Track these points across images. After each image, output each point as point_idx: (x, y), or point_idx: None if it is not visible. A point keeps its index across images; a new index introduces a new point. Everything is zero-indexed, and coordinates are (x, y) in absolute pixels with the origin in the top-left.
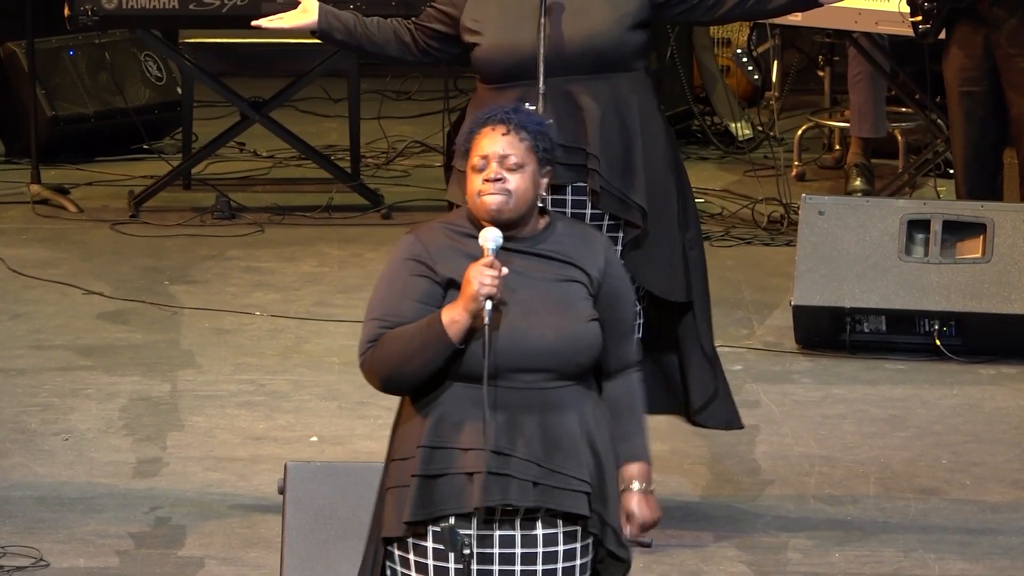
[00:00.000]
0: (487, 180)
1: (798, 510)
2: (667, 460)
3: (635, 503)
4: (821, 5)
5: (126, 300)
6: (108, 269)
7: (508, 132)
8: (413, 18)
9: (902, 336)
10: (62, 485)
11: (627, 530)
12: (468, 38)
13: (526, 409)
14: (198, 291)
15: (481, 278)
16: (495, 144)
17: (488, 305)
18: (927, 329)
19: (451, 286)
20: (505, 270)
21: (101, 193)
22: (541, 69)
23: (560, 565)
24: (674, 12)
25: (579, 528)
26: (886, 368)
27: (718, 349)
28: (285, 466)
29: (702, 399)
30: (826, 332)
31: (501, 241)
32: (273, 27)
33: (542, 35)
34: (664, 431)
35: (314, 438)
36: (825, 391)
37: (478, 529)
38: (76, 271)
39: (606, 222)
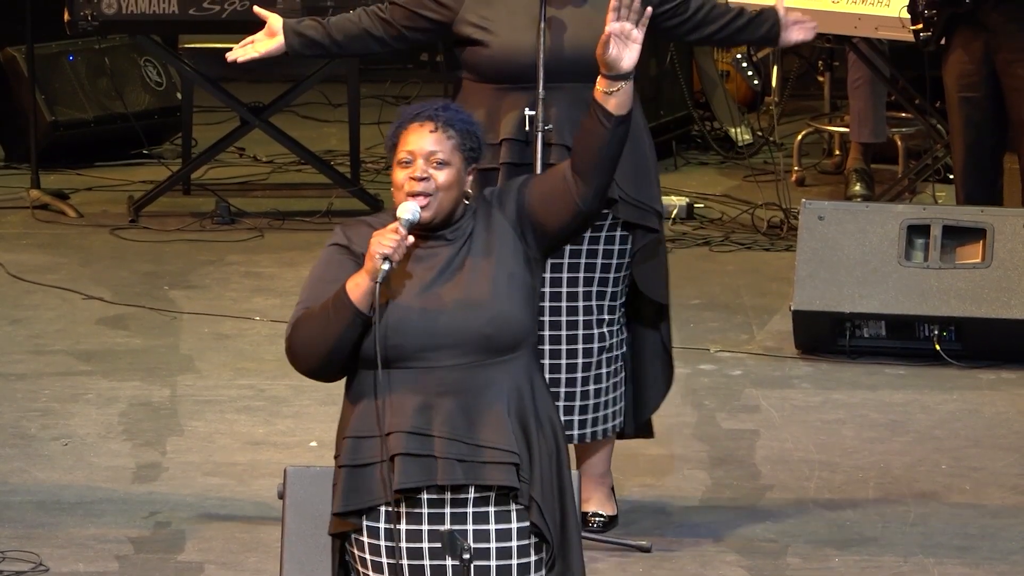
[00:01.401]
0: (412, 178)
1: (798, 515)
2: (666, 464)
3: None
4: (778, 45)
5: (126, 305)
6: (108, 274)
7: (436, 129)
8: (388, 1)
9: (902, 341)
10: (62, 490)
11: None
12: (471, 34)
13: (443, 389)
14: (198, 296)
15: (381, 238)
16: (422, 140)
17: (384, 266)
18: (927, 334)
19: None
20: (410, 239)
21: (101, 198)
22: (540, 72)
23: (494, 544)
24: (664, 26)
25: (514, 506)
26: (886, 373)
27: (718, 354)
28: (284, 471)
29: (655, 404)
30: (826, 337)
31: (417, 217)
32: (248, 59)
33: (542, 39)
34: (663, 435)
35: (313, 443)
36: (825, 396)
37: (387, 522)
38: (76, 276)
39: (618, 233)
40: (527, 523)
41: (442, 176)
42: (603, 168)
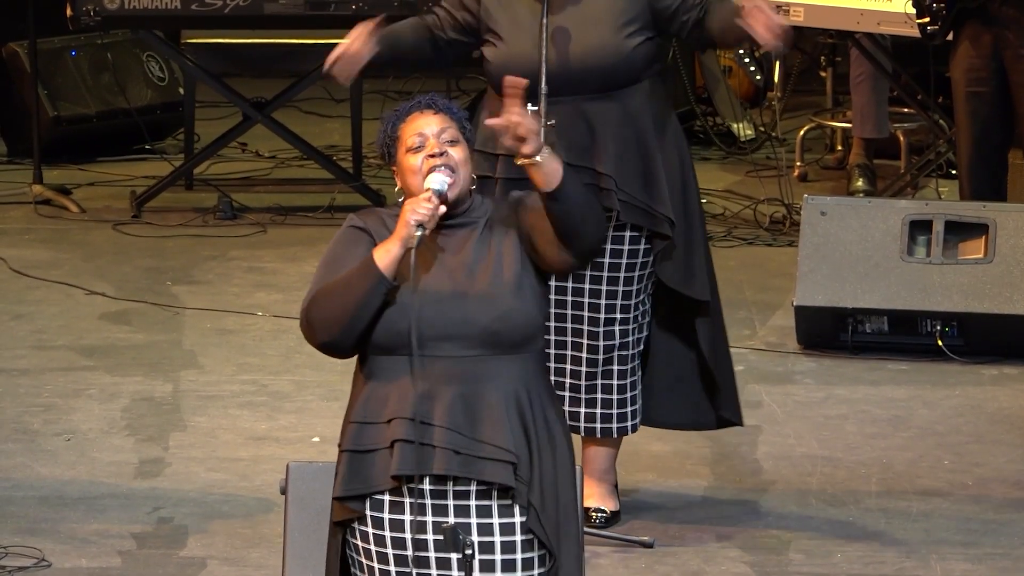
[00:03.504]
0: (431, 155)
1: (800, 510)
2: (669, 460)
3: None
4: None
5: (128, 300)
6: (110, 269)
7: (437, 112)
8: (435, 9)
9: (904, 337)
10: (64, 485)
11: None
12: (485, 44)
13: (447, 379)
14: (200, 291)
15: (415, 205)
16: (428, 122)
17: (418, 232)
18: (929, 330)
19: None
20: (442, 208)
21: (103, 193)
22: (543, 70)
23: (498, 538)
24: (671, 31)
25: (511, 501)
26: (888, 369)
27: None
28: (287, 466)
29: (731, 397)
30: (828, 333)
31: (445, 187)
32: (344, 72)
33: (544, 37)
34: (666, 432)
35: (316, 438)
36: (827, 392)
37: (412, 497)
38: (78, 271)
39: (628, 233)
40: (511, 520)
41: (457, 153)
42: (571, 237)
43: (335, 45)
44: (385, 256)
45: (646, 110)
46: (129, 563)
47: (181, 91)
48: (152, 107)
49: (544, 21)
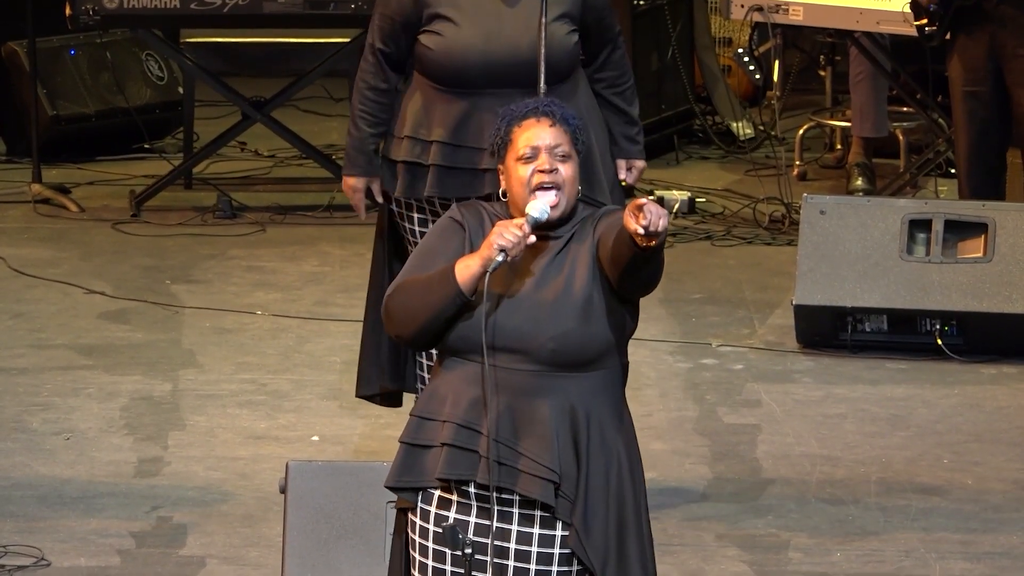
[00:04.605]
0: (540, 171)
1: (799, 509)
2: (668, 460)
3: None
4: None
5: (127, 299)
6: (109, 268)
7: (554, 124)
8: (375, 47)
9: (903, 336)
10: (63, 484)
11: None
12: (424, 34)
13: (502, 391)
14: (199, 290)
15: (503, 230)
16: (543, 134)
17: (499, 257)
18: (928, 329)
19: None
20: (532, 238)
21: (102, 192)
22: (542, 68)
23: (535, 549)
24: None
25: (560, 520)
26: (887, 368)
27: (720, 348)
28: (286, 465)
29: None
30: (827, 331)
31: (545, 216)
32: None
33: (543, 35)
34: (665, 431)
35: (315, 437)
36: (826, 391)
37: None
38: (77, 270)
39: None
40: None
41: (566, 169)
42: (630, 279)
43: (334, 44)
44: (465, 271)
45: (581, 100)
46: (128, 562)
47: (180, 90)
48: (151, 106)
49: (544, 20)
